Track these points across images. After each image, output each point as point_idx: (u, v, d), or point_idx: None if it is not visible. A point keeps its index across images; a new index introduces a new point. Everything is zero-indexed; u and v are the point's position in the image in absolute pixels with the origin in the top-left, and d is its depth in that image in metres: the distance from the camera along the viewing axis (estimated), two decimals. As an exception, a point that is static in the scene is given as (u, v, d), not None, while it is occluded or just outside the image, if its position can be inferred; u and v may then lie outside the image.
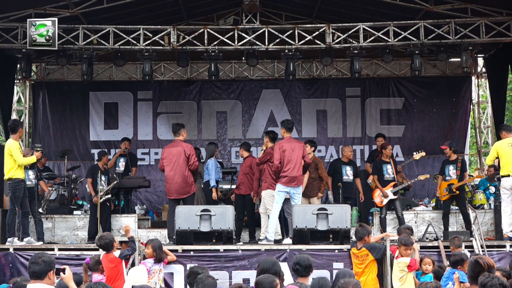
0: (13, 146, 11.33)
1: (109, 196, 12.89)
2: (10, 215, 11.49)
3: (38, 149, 11.86)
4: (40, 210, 12.44)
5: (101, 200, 12.59)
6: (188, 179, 11.67)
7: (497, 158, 11.99)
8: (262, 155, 12.11)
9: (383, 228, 12.50)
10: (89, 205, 13.70)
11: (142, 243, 10.52)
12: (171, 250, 10.46)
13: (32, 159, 11.57)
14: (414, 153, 13.52)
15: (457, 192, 12.54)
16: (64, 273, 5.84)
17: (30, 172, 12.49)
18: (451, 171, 12.77)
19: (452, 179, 12.67)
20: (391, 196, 12.60)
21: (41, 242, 11.83)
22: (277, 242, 11.36)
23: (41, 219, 12.42)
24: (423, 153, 13.35)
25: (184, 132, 12.04)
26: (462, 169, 12.78)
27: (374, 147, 15.29)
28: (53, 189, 13.99)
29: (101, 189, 12.72)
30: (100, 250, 9.48)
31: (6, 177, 11.45)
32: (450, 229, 12.58)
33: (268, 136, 12.25)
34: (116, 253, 9.21)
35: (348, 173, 13.46)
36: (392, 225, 12.78)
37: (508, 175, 11.66)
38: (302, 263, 6.72)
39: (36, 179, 12.45)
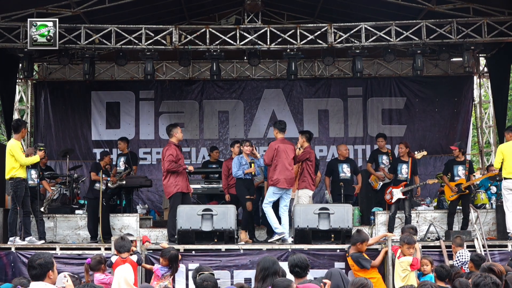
0: (15, 146, 11.32)
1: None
2: (12, 215, 11.49)
3: (41, 148, 11.86)
4: (42, 209, 12.44)
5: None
6: (166, 181, 11.63)
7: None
8: (300, 154, 11.98)
9: (390, 227, 12.51)
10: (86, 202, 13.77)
11: (144, 240, 10.54)
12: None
13: (35, 158, 11.57)
14: (416, 152, 13.52)
15: (467, 191, 12.55)
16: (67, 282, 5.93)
17: (33, 172, 12.45)
18: (460, 171, 12.74)
19: (461, 178, 12.67)
20: (400, 196, 12.59)
21: (43, 241, 11.84)
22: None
23: (43, 219, 12.43)
24: (425, 152, 13.35)
25: (176, 133, 11.81)
26: (470, 171, 12.80)
27: (376, 147, 15.30)
28: (56, 189, 13.99)
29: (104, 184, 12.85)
30: (115, 251, 9.46)
31: (7, 176, 11.45)
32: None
33: (304, 136, 12.19)
34: (134, 257, 9.25)
35: (344, 170, 13.39)
36: (395, 224, 12.78)
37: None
38: (301, 264, 6.54)
39: (38, 179, 12.44)
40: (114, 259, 9.24)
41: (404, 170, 12.83)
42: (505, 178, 11.94)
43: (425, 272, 9.47)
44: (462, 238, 10.87)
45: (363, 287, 5.67)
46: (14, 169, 11.31)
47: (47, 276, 5.52)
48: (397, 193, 12.59)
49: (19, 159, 11.27)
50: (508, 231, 11.84)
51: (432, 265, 9.48)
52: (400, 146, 13.19)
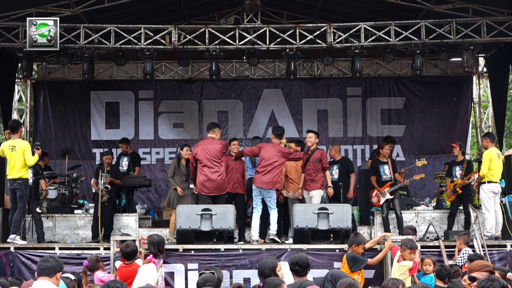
0: (28, 146, 11.44)
1: (108, 190, 12.86)
2: (19, 213, 11.43)
3: (39, 147, 11.86)
4: (38, 209, 12.39)
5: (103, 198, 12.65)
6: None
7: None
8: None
9: (386, 228, 12.49)
10: (90, 204, 13.82)
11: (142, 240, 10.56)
12: (172, 250, 10.48)
13: (37, 158, 11.60)
14: (416, 160, 13.53)
15: (460, 191, 12.57)
16: None
17: (29, 171, 12.47)
18: (457, 172, 12.84)
19: (457, 179, 12.71)
20: (388, 196, 12.60)
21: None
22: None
23: (41, 219, 12.41)
24: (425, 162, 13.42)
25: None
26: (468, 171, 12.79)
27: (375, 147, 15.28)
28: (54, 188, 13.98)
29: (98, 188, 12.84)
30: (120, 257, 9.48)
31: (16, 176, 11.43)
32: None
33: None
34: (139, 261, 9.28)
35: (333, 172, 13.13)
36: (393, 224, 12.78)
37: (497, 182, 12.10)
38: (301, 263, 6.57)
39: (34, 178, 12.45)
40: (118, 264, 9.26)
41: (386, 171, 12.83)
42: (489, 182, 12.04)
43: (427, 272, 9.43)
44: (470, 235, 10.88)
45: (350, 287, 5.69)
46: (24, 169, 11.39)
47: (55, 276, 5.55)
48: (384, 194, 12.59)
49: (29, 159, 11.33)
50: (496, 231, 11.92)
51: (434, 265, 9.47)
52: (385, 147, 13.09)
